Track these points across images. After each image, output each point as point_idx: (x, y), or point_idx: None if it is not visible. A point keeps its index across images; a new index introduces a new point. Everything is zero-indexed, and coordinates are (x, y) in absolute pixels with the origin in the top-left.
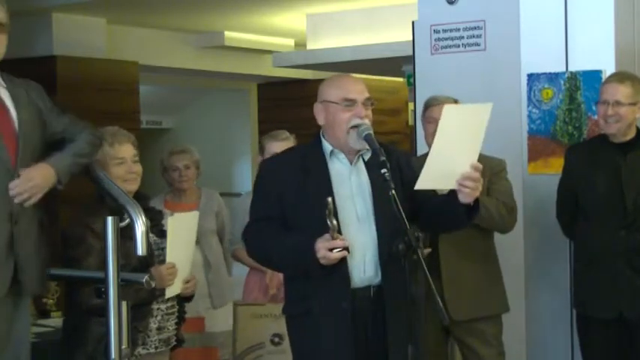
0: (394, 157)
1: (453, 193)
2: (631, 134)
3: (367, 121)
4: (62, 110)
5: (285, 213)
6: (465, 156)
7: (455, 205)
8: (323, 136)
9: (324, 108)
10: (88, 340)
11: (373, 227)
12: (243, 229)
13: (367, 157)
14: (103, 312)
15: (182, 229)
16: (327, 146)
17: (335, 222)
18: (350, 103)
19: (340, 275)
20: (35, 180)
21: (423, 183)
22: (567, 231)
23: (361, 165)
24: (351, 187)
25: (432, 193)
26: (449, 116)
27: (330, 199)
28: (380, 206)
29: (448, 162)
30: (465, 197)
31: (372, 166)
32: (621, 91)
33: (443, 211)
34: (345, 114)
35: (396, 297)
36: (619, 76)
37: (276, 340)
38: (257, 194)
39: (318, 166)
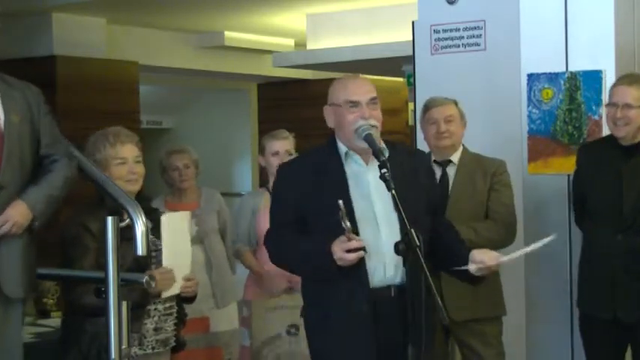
0: (416, 160)
1: (462, 253)
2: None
3: (373, 121)
4: (55, 124)
5: (303, 217)
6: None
7: (461, 265)
8: (338, 137)
9: (332, 110)
10: (82, 339)
11: (394, 227)
12: (265, 237)
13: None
14: (96, 311)
15: (174, 228)
16: (342, 148)
17: (349, 224)
18: (354, 104)
19: (358, 277)
20: (13, 218)
21: None
22: (579, 225)
23: (377, 165)
24: (368, 188)
25: (446, 225)
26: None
27: (341, 201)
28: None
29: None
30: (475, 271)
31: (392, 166)
32: (631, 94)
33: (448, 258)
34: (350, 116)
35: (417, 296)
36: (629, 79)
37: (292, 330)
38: (275, 200)
39: (334, 168)
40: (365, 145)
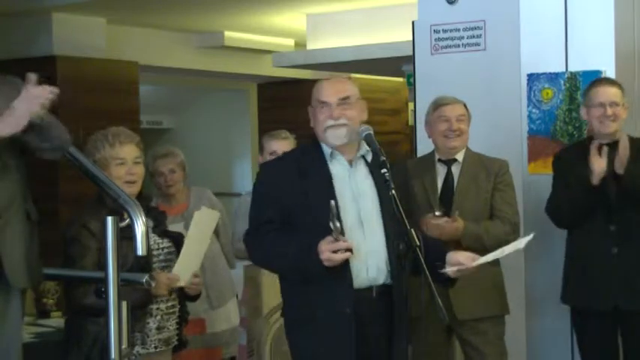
0: (392, 171)
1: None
2: (619, 134)
3: (342, 120)
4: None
5: (285, 216)
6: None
7: (440, 260)
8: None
9: (311, 111)
10: (84, 339)
11: (377, 228)
12: (244, 235)
13: (369, 157)
14: (96, 311)
15: (203, 224)
16: (326, 148)
17: (338, 224)
18: (323, 105)
19: (343, 278)
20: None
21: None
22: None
23: (362, 166)
24: (352, 189)
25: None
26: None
27: (333, 202)
28: (386, 207)
29: None
30: (453, 273)
31: (375, 167)
32: (614, 93)
33: (428, 257)
34: (321, 116)
35: (403, 297)
36: (606, 80)
37: None
38: (257, 198)
39: (319, 168)
40: (336, 142)
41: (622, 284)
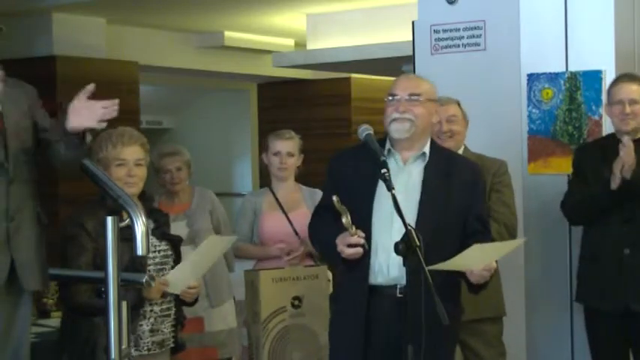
0: (460, 169)
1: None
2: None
3: (408, 115)
4: (47, 116)
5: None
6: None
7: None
8: None
9: (385, 106)
10: (77, 339)
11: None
12: (312, 216)
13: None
14: (91, 310)
15: (214, 248)
16: (387, 144)
17: (344, 220)
18: (392, 98)
19: (358, 272)
20: None
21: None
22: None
23: (417, 166)
24: (396, 187)
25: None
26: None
27: (334, 197)
28: (425, 208)
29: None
30: (471, 278)
31: (430, 169)
32: (635, 90)
33: None
34: (389, 109)
35: (418, 298)
36: (628, 77)
37: (296, 302)
38: (323, 185)
39: (372, 165)
40: (396, 134)
41: (633, 285)
